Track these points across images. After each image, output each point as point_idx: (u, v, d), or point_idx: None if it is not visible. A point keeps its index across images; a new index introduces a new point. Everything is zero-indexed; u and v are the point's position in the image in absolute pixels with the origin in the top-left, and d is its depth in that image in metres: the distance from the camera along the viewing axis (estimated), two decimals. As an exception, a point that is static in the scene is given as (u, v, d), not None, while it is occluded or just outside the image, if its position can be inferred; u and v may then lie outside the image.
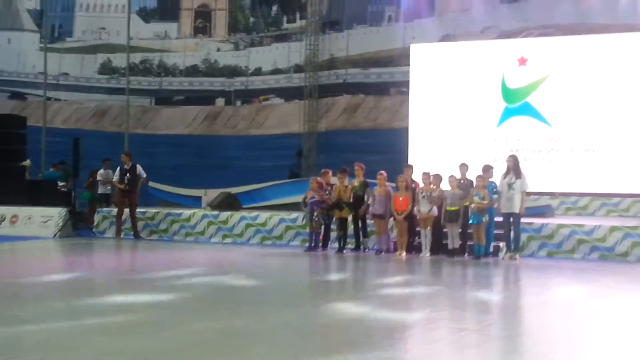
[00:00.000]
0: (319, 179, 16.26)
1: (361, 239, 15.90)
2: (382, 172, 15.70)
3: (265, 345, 7.12)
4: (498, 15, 24.48)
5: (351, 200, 15.73)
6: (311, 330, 7.90)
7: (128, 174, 18.54)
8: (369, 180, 15.97)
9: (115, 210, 19.02)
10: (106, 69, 29.89)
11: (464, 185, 15.03)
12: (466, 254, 14.83)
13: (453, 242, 14.82)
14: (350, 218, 15.97)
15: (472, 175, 15.10)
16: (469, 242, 14.92)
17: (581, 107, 20.32)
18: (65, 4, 30.64)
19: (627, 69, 20.06)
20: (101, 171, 20.77)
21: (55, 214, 18.98)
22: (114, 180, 19.03)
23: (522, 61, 20.95)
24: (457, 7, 25.37)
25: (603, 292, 10.79)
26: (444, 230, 15.12)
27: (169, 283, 10.98)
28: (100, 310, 8.65)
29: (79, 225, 19.75)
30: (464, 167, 15.35)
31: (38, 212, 19.07)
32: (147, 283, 11.09)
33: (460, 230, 14.90)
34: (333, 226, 16.21)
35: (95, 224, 19.43)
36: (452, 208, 14.71)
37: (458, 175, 15.18)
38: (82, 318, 8.16)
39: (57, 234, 18.61)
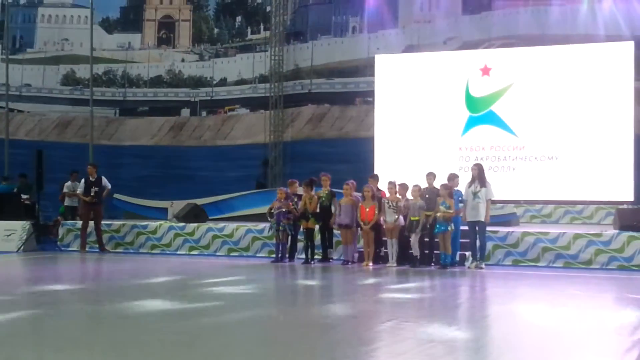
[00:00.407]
0: (285, 189, 16.26)
1: (327, 249, 15.92)
2: (349, 182, 15.72)
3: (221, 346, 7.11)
4: (460, 27, 24.73)
5: (318, 210, 15.76)
6: (276, 341, 7.89)
7: (94, 186, 18.40)
8: (335, 190, 16.00)
9: (80, 223, 18.86)
10: (69, 80, 29.66)
11: (431, 194, 15.08)
12: (432, 263, 14.90)
13: (414, 250, 14.84)
14: (317, 228, 15.98)
15: (439, 184, 15.17)
16: (435, 251, 14.99)
17: (544, 116, 20.56)
18: (27, 16, 30.39)
19: (587, 78, 20.35)
20: (68, 183, 20.57)
21: (18, 228, 18.77)
22: (78, 192, 18.86)
23: (486, 71, 21.15)
24: (420, 18, 25.58)
25: (568, 301, 10.89)
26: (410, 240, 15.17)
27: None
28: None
29: (43, 239, 19.53)
30: (431, 176, 15.39)
31: (1, 226, 18.85)
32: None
33: (426, 239, 14.97)
34: (300, 237, 16.22)
35: (59, 237, 19.24)
36: (413, 218, 14.75)
37: (425, 185, 15.25)
38: None
39: (21, 248, 18.40)
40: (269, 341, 8.01)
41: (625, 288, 12.13)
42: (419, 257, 14.77)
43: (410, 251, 15.00)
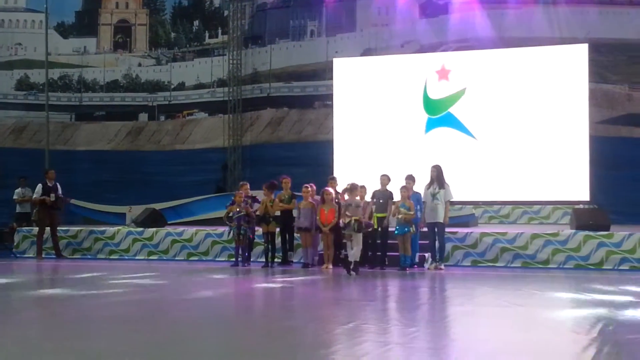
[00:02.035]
0: (242, 192, 16.20)
1: (287, 252, 15.91)
2: (308, 185, 15.72)
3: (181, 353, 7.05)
4: (418, 30, 24.84)
5: (278, 213, 15.74)
6: (235, 346, 7.84)
7: (52, 192, 18.17)
8: (295, 193, 16.01)
9: (35, 229, 18.60)
10: (23, 85, 29.25)
11: (384, 196, 15.09)
12: (385, 265, 14.89)
13: (354, 252, 14.45)
14: (277, 231, 15.97)
15: (394, 186, 15.20)
16: (391, 253, 15.00)
17: (502, 118, 20.74)
18: (-21, 20, 29.94)
19: (543, 80, 20.57)
20: (18, 190, 20.27)
21: (-28, 235, 18.49)
22: (34, 197, 18.55)
23: (443, 73, 21.28)
24: (377, 22, 25.68)
25: (526, 300, 10.97)
26: (369, 241, 15.16)
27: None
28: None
29: (-3, 246, 19.25)
30: (384, 177, 15.36)
31: (-46, 234, 18.55)
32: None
33: (378, 241, 14.96)
34: (259, 240, 16.18)
35: (15, 243, 18.96)
36: (354, 218, 14.55)
37: (377, 187, 15.26)
38: None
39: (-25, 255, 18.12)
40: (229, 346, 7.95)
41: (582, 287, 12.25)
42: (353, 262, 14.32)
43: (344, 253, 14.72)
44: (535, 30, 23.03)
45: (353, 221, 14.31)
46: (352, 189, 14.84)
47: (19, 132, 29.17)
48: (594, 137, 20.37)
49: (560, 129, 20.25)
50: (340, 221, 14.87)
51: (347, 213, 14.47)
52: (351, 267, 14.19)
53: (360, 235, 14.47)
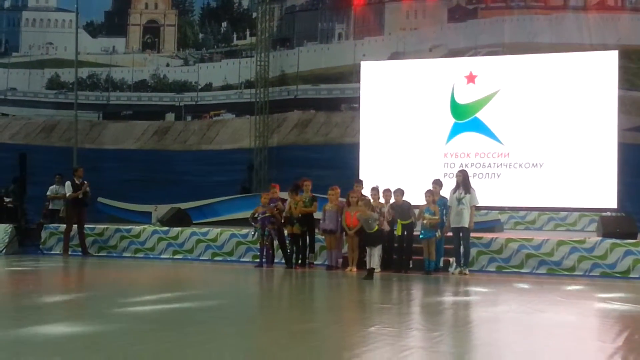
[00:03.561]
0: (268, 193, 16.25)
1: (308, 254, 15.91)
2: (335, 187, 15.74)
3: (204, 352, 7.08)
4: (446, 34, 24.80)
5: (300, 215, 15.76)
6: (258, 347, 7.85)
7: (80, 189, 18.33)
8: (319, 196, 16.02)
9: (62, 226, 18.75)
10: (54, 83, 29.53)
11: (401, 208, 15.09)
12: (409, 269, 14.87)
13: (373, 260, 14.62)
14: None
15: (420, 189, 15.19)
16: (417, 257, 14.97)
17: (529, 124, 20.54)
18: (11, 19, 30.25)
19: (572, 86, 20.36)
20: (52, 187, 20.48)
21: (1, 231, 18.65)
22: (67, 194, 18.64)
23: (471, 78, 21.12)
24: (406, 25, 25.65)
25: (551, 307, 10.90)
26: (395, 245, 15.16)
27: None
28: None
29: (25, 242, 19.42)
30: (398, 192, 15.32)
31: (-17, 230, 18.73)
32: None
33: (395, 245, 14.96)
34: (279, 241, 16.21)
35: (42, 240, 19.13)
36: (370, 230, 14.63)
37: (392, 200, 15.28)
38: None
39: (3, 251, 18.30)
40: (250, 347, 7.96)
41: (608, 295, 12.15)
42: (376, 269, 14.46)
43: (364, 259, 14.86)
44: (565, 36, 22.93)
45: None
46: (366, 205, 14.92)
47: (49, 130, 29.45)
48: (622, 144, 20.15)
49: (588, 136, 20.04)
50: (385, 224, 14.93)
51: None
52: (368, 273, 14.19)
53: (379, 245, 14.55)
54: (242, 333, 8.68)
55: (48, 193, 20.48)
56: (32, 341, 7.77)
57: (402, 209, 15.05)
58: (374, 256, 14.46)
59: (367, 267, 14.43)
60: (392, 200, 15.22)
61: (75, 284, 14.28)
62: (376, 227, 14.59)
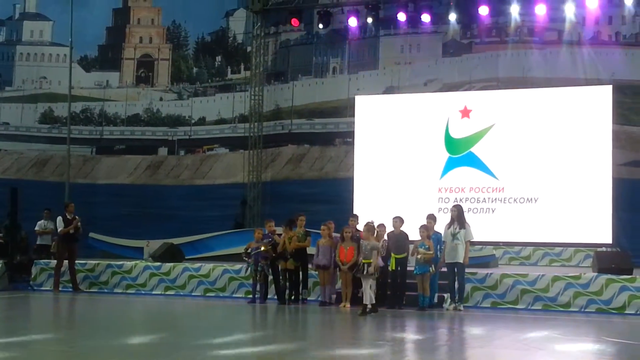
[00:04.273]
0: (263, 229, 16.14)
1: (301, 290, 15.74)
2: (328, 223, 15.63)
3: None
4: (441, 69, 24.87)
5: (293, 251, 15.62)
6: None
7: (72, 224, 18.17)
8: (313, 231, 15.90)
9: (53, 262, 18.57)
10: (47, 118, 29.47)
11: (399, 238, 14.96)
12: (402, 305, 14.69)
13: (365, 296, 14.25)
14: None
15: (414, 224, 15.07)
16: (411, 293, 14.80)
17: (524, 158, 20.50)
18: (5, 53, 30.27)
19: (567, 121, 20.34)
20: (40, 222, 20.30)
21: (-10, 267, 18.46)
22: (59, 229, 18.42)
23: (466, 112, 21.11)
24: (400, 60, 25.72)
25: (547, 344, 10.75)
26: (388, 280, 14.99)
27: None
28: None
29: (15, 278, 19.19)
30: (397, 219, 15.18)
31: (-27, 265, 18.51)
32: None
33: (388, 280, 14.74)
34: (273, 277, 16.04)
35: (32, 276, 18.91)
36: (366, 260, 14.41)
37: (390, 228, 15.11)
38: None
39: (-7, 287, 18.08)
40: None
41: (604, 331, 12.02)
42: (369, 305, 14.06)
43: (359, 295, 14.59)
44: (559, 71, 23.00)
45: (363, 264, 14.18)
46: (368, 229, 14.69)
47: (42, 165, 29.34)
48: (617, 179, 20.09)
49: (583, 171, 20.00)
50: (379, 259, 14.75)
51: (360, 256, 14.35)
52: (362, 310, 13.94)
53: (371, 279, 14.28)
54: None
55: (36, 228, 20.27)
56: None
57: (398, 240, 14.88)
58: (366, 291, 14.20)
59: (363, 303, 14.20)
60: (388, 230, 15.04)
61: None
62: (372, 260, 14.30)
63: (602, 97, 20.38)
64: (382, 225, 15.15)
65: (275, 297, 15.93)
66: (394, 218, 15.19)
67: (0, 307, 15.83)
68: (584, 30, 23.59)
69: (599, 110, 20.22)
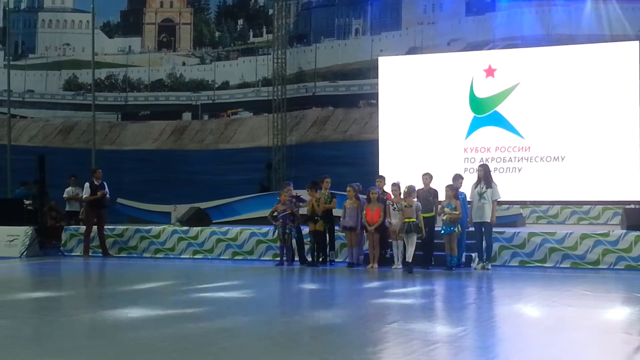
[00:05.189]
0: (287, 192, 16.16)
1: (329, 251, 15.80)
2: (352, 184, 15.61)
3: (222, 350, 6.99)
4: (464, 28, 24.63)
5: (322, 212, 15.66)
6: (280, 343, 7.76)
7: (99, 190, 18.31)
8: (338, 193, 15.91)
9: (83, 227, 18.75)
10: (71, 85, 29.58)
11: (427, 195, 14.93)
12: (431, 265, 14.72)
13: (407, 253, 14.47)
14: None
15: (440, 184, 15.03)
16: (439, 253, 14.81)
17: (550, 117, 20.33)
18: (28, 21, 30.32)
19: (593, 78, 20.13)
20: (68, 188, 20.47)
21: (21, 233, 18.66)
22: (84, 196, 18.65)
23: (490, 72, 20.92)
24: (423, 20, 25.50)
25: (575, 301, 10.74)
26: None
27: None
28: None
29: (46, 244, 19.42)
30: (427, 176, 15.19)
31: (3, 232, 18.74)
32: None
33: (419, 241, 14.75)
34: (305, 239, 16.10)
35: (62, 242, 19.11)
36: (408, 219, 14.46)
37: (420, 185, 15.07)
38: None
39: (24, 254, 18.29)
40: (274, 343, 7.87)
41: (633, 287, 11.98)
42: (410, 261, 14.33)
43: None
44: (584, 28, 22.72)
45: (407, 223, 14.23)
46: (410, 191, 14.67)
47: (67, 132, 29.52)
48: (645, 136, 19.91)
49: (610, 128, 19.80)
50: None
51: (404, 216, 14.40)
52: (409, 268, 14.14)
53: (415, 236, 14.36)
54: (265, 329, 8.58)
55: (64, 195, 20.46)
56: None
57: (427, 197, 14.85)
58: (410, 249, 14.31)
59: (404, 260, 14.34)
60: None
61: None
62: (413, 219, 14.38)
63: (628, 53, 20.10)
64: (409, 187, 15.11)
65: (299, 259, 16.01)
66: (423, 175, 15.17)
67: (33, 271, 16.05)
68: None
69: (625, 66, 19.96)
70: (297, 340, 8.00)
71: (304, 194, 16.21)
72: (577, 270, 14.55)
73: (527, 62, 20.91)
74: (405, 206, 14.50)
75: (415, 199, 14.69)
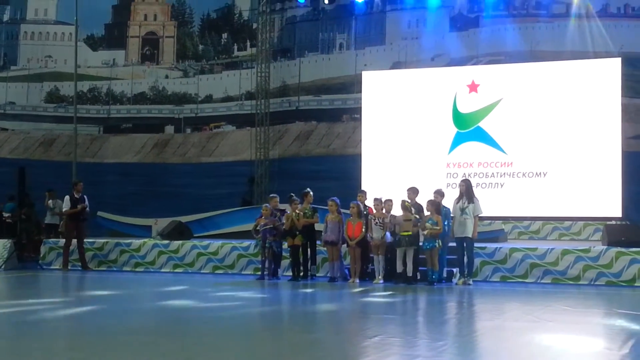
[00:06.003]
0: (269, 205, 16.07)
1: (309, 266, 15.71)
2: (334, 199, 15.56)
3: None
4: (448, 44, 24.72)
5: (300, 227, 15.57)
6: (264, 358, 7.68)
7: (79, 203, 18.17)
8: (319, 207, 15.86)
9: (62, 241, 18.59)
10: (53, 97, 29.41)
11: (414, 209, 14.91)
12: (417, 280, 14.70)
13: (407, 268, 14.57)
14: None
15: (422, 199, 15.01)
16: (421, 268, 14.79)
17: (532, 132, 20.44)
18: (10, 32, 30.16)
19: (575, 94, 20.25)
20: (49, 201, 20.33)
21: (-1, 246, 18.48)
22: (64, 209, 18.50)
23: (473, 87, 21.02)
24: (407, 35, 25.57)
25: (556, 316, 10.70)
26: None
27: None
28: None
29: (24, 257, 19.24)
30: (412, 191, 15.17)
31: (-18, 245, 18.53)
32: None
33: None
34: (285, 254, 16.02)
35: (41, 255, 18.94)
36: (405, 233, 14.49)
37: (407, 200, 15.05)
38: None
39: (2, 267, 18.11)
40: (254, 358, 7.79)
41: (613, 303, 11.96)
42: (411, 274, 14.51)
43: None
44: (567, 44, 22.84)
45: (403, 237, 14.35)
46: (405, 208, 14.67)
47: (49, 145, 29.33)
48: (626, 153, 20.02)
49: (592, 144, 19.92)
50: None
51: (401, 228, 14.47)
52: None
53: (412, 249, 14.41)
54: (245, 344, 8.50)
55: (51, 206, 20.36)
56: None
57: (416, 211, 14.83)
58: (409, 262, 14.41)
59: (397, 272, 14.44)
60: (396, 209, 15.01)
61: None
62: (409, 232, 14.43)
63: (611, 69, 20.26)
64: (389, 201, 15.10)
65: (284, 274, 15.92)
66: (408, 189, 15.16)
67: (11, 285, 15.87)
68: (592, 3, 23.38)
69: (608, 83, 20.11)
70: (277, 354, 7.91)
71: (288, 207, 16.14)
72: (558, 285, 14.54)
73: (510, 78, 21.02)
74: (405, 220, 14.52)
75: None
